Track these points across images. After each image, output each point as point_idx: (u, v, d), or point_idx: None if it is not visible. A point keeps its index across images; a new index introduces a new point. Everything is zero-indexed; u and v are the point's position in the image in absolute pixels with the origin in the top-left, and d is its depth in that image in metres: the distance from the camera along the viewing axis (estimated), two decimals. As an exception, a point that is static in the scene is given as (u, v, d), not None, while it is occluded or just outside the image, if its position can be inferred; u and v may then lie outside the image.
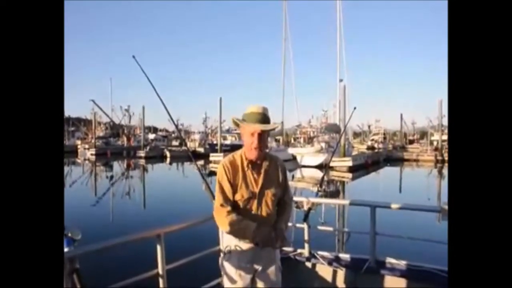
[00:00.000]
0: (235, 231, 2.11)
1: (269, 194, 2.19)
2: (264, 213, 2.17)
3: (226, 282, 2.20)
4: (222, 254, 2.26)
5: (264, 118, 2.16)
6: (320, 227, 3.75)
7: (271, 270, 2.20)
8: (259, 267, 2.18)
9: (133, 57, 2.96)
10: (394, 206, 3.09)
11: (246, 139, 2.18)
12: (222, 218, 2.11)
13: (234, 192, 2.15)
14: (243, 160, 2.19)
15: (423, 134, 65.04)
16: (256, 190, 2.17)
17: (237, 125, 2.27)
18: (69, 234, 1.99)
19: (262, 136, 2.14)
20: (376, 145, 48.78)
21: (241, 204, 2.15)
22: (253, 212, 2.15)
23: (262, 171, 2.20)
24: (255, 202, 2.16)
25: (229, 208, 2.12)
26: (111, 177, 25.98)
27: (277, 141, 42.46)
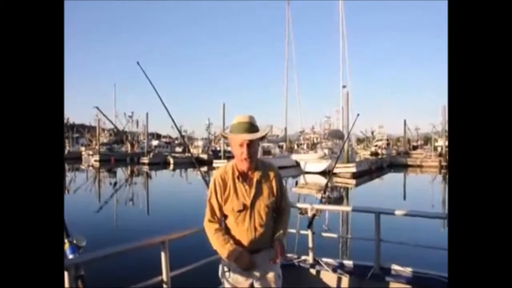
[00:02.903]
0: (219, 250, 2.13)
1: (261, 205, 2.15)
2: (257, 225, 2.14)
3: None
4: (221, 261, 2.25)
5: (251, 127, 2.11)
6: (324, 234, 3.74)
7: (269, 277, 2.18)
8: (257, 274, 2.17)
9: (138, 63, 3.00)
10: (398, 212, 3.08)
11: (235, 151, 2.14)
12: (210, 235, 2.16)
13: (225, 204, 2.15)
14: (234, 172, 2.17)
15: (427, 140, 64.76)
16: (248, 202, 2.14)
17: (225, 138, 2.26)
18: (74, 241, 2.00)
19: (251, 146, 2.10)
20: (379, 151, 48.64)
21: (233, 216, 2.14)
22: (246, 224, 2.13)
23: (254, 182, 2.17)
24: (247, 214, 2.13)
25: (216, 225, 2.15)
26: (115, 183, 26.02)
27: (280, 147, 42.46)
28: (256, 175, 2.18)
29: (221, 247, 2.11)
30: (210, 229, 2.15)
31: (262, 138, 2.24)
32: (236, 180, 2.16)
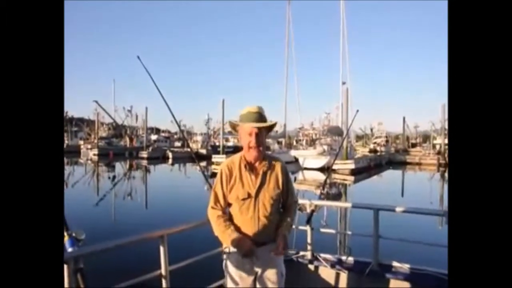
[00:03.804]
0: (220, 235, 2.17)
1: (266, 196, 2.17)
2: (261, 215, 2.15)
3: (229, 283, 2.21)
4: (224, 255, 2.26)
5: (259, 116, 2.18)
6: (323, 230, 3.74)
7: (271, 272, 2.18)
8: (258, 269, 2.18)
9: (138, 57, 2.98)
10: (397, 209, 3.09)
11: (243, 139, 2.20)
12: (212, 222, 2.20)
13: (230, 193, 2.18)
14: (242, 161, 2.21)
15: (426, 137, 64.81)
16: (253, 191, 2.16)
17: (233, 128, 2.33)
18: (73, 234, 2.00)
19: (259, 135, 2.16)
20: (378, 148, 48.74)
21: (237, 204, 2.17)
22: (250, 213, 2.15)
23: (260, 172, 2.20)
24: (252, 203, 2.15)
25: (219, 212, 2.19)
26: (114, 177, 26.02)
27: (279, 143, 42.42)
28: (263, 166, 2.22)
29: (222, 233, 2.14)
30: (213, 215, 2.20)
31: (271, 129, 2.30)
32: (243, 169, 2.20)
